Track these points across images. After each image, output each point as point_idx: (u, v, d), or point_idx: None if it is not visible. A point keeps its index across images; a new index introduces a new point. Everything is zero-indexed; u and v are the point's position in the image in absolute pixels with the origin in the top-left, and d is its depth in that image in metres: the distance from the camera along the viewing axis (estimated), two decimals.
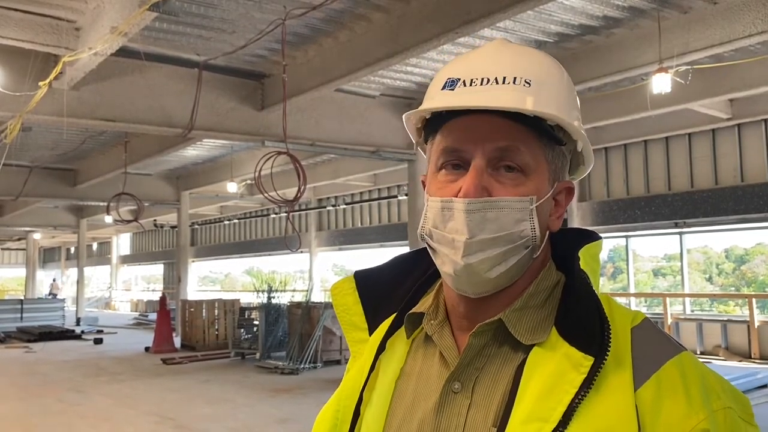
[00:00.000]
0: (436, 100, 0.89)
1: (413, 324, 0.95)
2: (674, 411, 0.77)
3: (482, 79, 0.86)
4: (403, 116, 0.94)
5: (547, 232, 0.89)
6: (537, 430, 0.76)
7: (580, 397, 0.77)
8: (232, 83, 9.95)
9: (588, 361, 0.79)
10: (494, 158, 0.85)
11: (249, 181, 16.48)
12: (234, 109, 9.99)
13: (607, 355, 0.79)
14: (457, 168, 0.87)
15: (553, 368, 0.80)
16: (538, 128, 0.85)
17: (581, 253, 0.88)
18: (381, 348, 0.97)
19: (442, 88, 0.88)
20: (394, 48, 7.50)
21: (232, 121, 10.00)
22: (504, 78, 0.85)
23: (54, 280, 35.54)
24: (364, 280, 1.04)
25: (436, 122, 0.90)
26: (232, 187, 16.54)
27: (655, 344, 0.83)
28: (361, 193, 20.41)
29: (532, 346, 0.84)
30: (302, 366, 12.03)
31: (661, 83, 7.47)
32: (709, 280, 17.05)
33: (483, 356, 0.86)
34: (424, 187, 0.95)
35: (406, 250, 12.94)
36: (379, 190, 19.67)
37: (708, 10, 7.38)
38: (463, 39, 8.09)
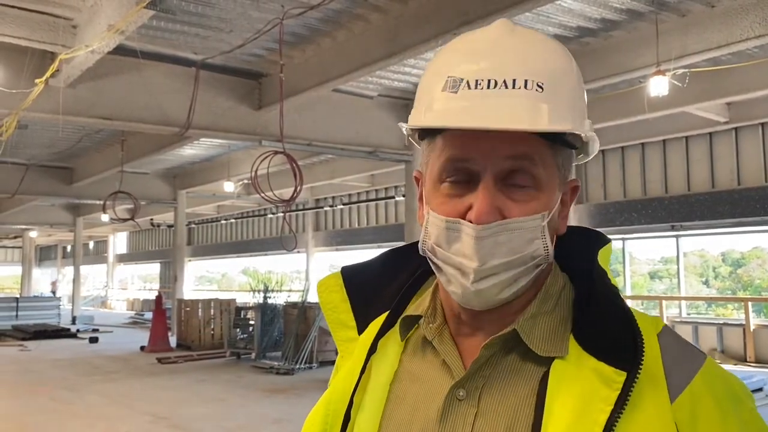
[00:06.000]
0: (436, 107, 0.79)
1: (408, 326, 0.91)
2: (710, 425, 0.76)
3: (489, 81, 0.77)
4: (402, 125, 0.86)
5: (554, 239, 0.83)
6: None
7: (616, 415, 0.72)
8: (230, 82, 9.94)
9: (620, 376, 0.74)
10: (505, 171, 0.79)
11: (246, 181, 16.46)
12: (231, 108, 9.97)
13: (641, 369, 0.74)
14: (463, 182, 0.80)
15: (582, 385, 0.75)
16: (551, 136, 0.79)
17: (602, 254, 0.85)
18: (372, 349, 0.92)
19: (443, 89, 0.79)
20: (391, 48, 7.49)
21: (229, 120, 9.98)
22: (514, 81, 0.76)
23: (53, 282, 35.93)
24: (351, 276, 0.99)
25: None
26: (228, 186, 16.52)
27: (681, 353, 0.80)
28: (358, 193, 20.39)
29: (546, 357, 0.80)
30: (297, 366, 12.01)
31: (658, 86, 7.47)
32: (706, 283, 17.08)
33: (489, 364, 0.82)
34: (417, 183, 0.90)
35: None
36: (376, 190, 19.66)
37: (706, 13, 7.39)
38: None
